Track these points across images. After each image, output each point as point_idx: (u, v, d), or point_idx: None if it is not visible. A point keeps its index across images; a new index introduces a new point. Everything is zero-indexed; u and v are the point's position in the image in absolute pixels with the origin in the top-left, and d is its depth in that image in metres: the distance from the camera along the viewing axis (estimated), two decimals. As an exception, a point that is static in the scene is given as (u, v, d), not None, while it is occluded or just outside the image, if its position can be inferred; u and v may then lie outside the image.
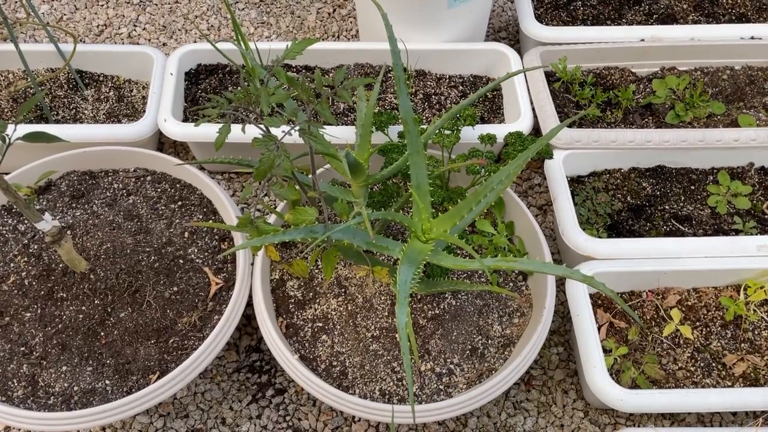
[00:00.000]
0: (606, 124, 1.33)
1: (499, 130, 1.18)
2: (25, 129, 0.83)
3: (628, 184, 1.25)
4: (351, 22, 1.70)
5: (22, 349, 0.99)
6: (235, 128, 0.91)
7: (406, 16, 1.35)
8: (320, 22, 1.70)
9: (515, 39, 1.65)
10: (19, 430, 1.07)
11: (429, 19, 1.35)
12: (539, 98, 1.28)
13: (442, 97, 1.38)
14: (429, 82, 1.39)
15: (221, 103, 0.78)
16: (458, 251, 1.13)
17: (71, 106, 1.33)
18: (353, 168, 0.97)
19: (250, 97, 0.81)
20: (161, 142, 1.41)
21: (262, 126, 0.86)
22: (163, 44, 1.63)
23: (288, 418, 1.12)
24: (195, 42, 1.62)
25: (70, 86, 1.35)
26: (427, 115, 1.35)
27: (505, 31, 1.68)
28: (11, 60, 1.32)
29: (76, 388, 0.97)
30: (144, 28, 1.65)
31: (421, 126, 1.28)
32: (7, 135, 0.77)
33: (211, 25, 1.67)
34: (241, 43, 0.93)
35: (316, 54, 1.39)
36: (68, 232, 1.08)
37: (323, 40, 1.65)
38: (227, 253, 0.88)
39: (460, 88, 1.40)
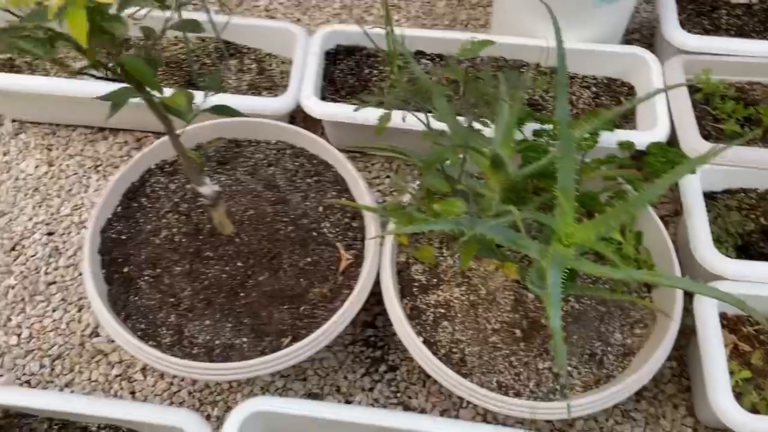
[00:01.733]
0: (745, 142, 1.29)
1: (638, 138, 1.17)
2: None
3: (764, 205, 1.22)
4: (480, 11, 1.70)
5: (171, 300, 1.07)
6: (370, 111, 0.94)
7: (546, 13, 1.34)
8: (449, 9, 1.71)
9: (648, 42, 1.61)
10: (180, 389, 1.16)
11: (570, 18, 1.34)
12: (679, 109, 1.26)
13: (574, 97, 1.37)
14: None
15: (392, 91, 0.81)
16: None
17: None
18: (495, 164, 0.99)
19: (419, 89, 0.84)
20: (292, 117, 1.47)
21: (422, 117, 0.89)
22: (297, 20, 1.68)
23: (399, 394, 1.17)
24: (328, 21, 1.67)
25: (216, 55, 1.43)
26: (557, 114, 1.34)
27: (638, 33, 1.64)
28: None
29: (217, 342, 1.04)
30: (280, 2, 1.71)
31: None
32: (197, 104, 0.83)
33: (344, 5, 1.71)
34: (389, 29, 0.97)
35: (451, 43, 1.40)
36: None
37: (450, 28, 1.67)
38: (391, 232, 0.91)
39: (593, 89, 1.38)
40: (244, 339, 1.05)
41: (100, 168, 1.41)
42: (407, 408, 1.15)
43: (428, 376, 1.19)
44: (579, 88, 1.38)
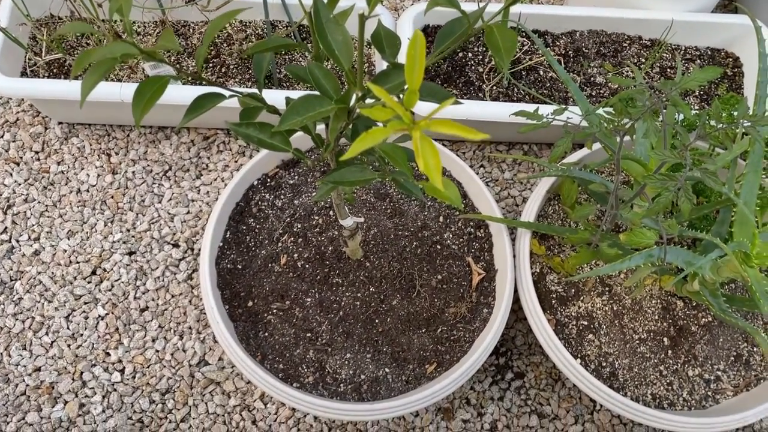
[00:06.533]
0: None
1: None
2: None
3: None
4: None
5: (308, 334, 1.00)
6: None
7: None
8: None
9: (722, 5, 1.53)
10: (305, 414, 1.07)
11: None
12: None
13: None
14: (664, 54, 1.30)
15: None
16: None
17: (293, 62, 1.27)
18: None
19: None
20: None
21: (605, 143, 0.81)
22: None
23: (529, 402, 1.14)
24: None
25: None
26: (665, 93, 1.27)
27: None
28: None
29: (362, 376, 0.98)
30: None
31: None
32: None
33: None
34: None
35: (546, 19, 1.29)
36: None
37: (536, 2, 1.54)
38: (580, 277, 0.84)
39: (698, 62, 1.31)
40: (387, 369, 1.00)
41: (170, 173, 1.29)
42: (541, 415, 1.13)
43: (556, 380, 1.17)
44: (684, 60, 1.30)
